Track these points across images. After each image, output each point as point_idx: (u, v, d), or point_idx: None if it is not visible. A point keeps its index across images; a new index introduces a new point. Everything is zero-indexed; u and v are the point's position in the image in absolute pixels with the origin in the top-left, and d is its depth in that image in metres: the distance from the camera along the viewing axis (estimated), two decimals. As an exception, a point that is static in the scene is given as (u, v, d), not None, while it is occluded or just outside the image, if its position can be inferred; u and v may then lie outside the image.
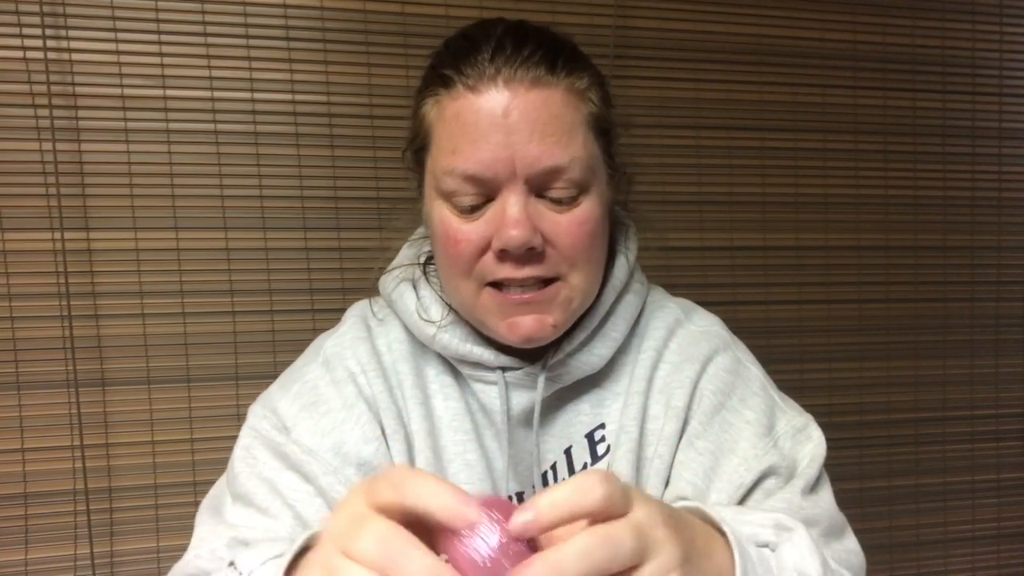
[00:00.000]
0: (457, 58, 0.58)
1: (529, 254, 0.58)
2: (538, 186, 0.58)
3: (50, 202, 0.98)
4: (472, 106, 0.57)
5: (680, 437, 0.64)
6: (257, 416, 0.65)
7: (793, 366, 1.23)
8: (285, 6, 1.04)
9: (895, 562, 1.29)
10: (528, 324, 0.59)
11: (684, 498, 0.61)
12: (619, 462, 0.63)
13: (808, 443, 0.65)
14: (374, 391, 0.64)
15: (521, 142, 0.56)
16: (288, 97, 1.05)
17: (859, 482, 1.25)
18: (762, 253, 1.23)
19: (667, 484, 0.63)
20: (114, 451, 1.01)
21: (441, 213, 0.60)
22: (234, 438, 1.11)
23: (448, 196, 0.59)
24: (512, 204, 0.57)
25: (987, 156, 1.31)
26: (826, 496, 0.64)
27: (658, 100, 1.17)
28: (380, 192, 1.07)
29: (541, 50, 0.58)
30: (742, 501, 0.61)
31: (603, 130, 0.62)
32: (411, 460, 0.63)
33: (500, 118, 0.56)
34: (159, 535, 1.03)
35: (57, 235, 0.98)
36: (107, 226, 1.00)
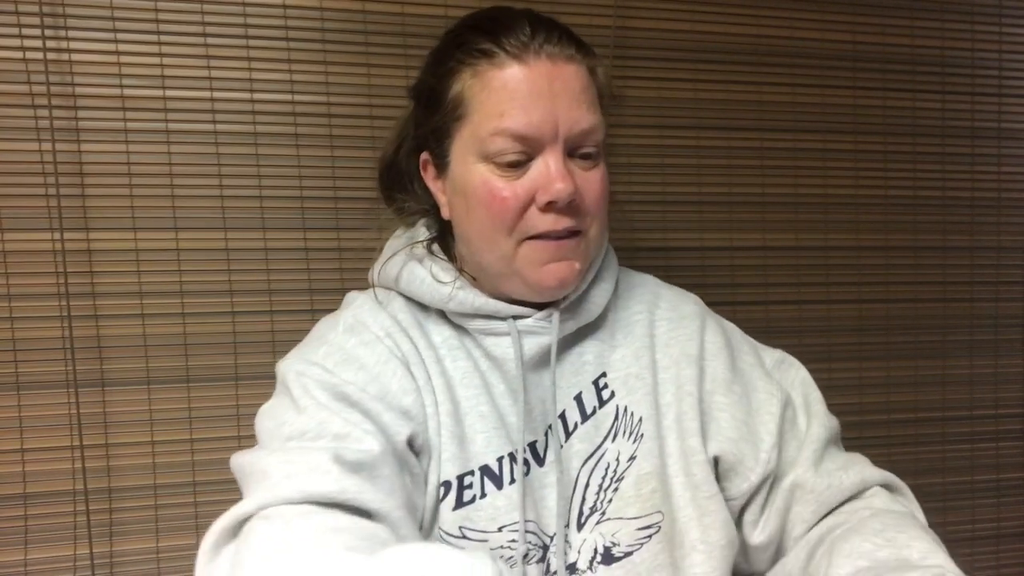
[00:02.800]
0: (494, 33, 0.66)
1: (570, 206, 0.66)
2: (571, 146, 0.67)
3: (50, 202, 0.98)
4: (519, 74, 0.65)
5: (701, 379, 0.73)
6: (299, 365, 0.66)
7: (793, 366, 1.23)
8: (284, 6, 1.04)
9: (894, 562, 1.29)
10: (562, 268, 0.68)
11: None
12: (639, 403, 0.73)
13: (791, 368, 0.79)
14: (403, 350, 0.69)
15: (564, 108, 0.65)
16: (287, 97, 1.05)
17: (858, 482, 1.25)
18: (762, 253, 1.23)
19: (703, 420, 0.72)
20: (114, 451, 1.01)
21: (483, 176, 0.67)
22: (234, 438, 1.12)
23: (492, 156, 0.66)
24: (556, 162, 0.65)
25: (986, 156, 1.31)
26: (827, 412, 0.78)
27: (658, 100, 1.17)
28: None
29: (567, 34, 0.68)
30: (780, 433, 0.72)
31: (604, 106, 0.71)
32: (436, 411, 0.68)
33: (545, 86, 0.65)
34: (159, 535, 1.03)
35: (57, 235, 0.98)
36: (107, 226, 1.00)
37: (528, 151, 0.65)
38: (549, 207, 0.66)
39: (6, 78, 0.96)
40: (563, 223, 0.66)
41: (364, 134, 1.07)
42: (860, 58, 1.24)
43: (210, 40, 1.02)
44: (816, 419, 0.75)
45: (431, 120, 0.70)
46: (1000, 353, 1.34)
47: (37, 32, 0.96)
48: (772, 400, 0.74)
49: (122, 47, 0.99)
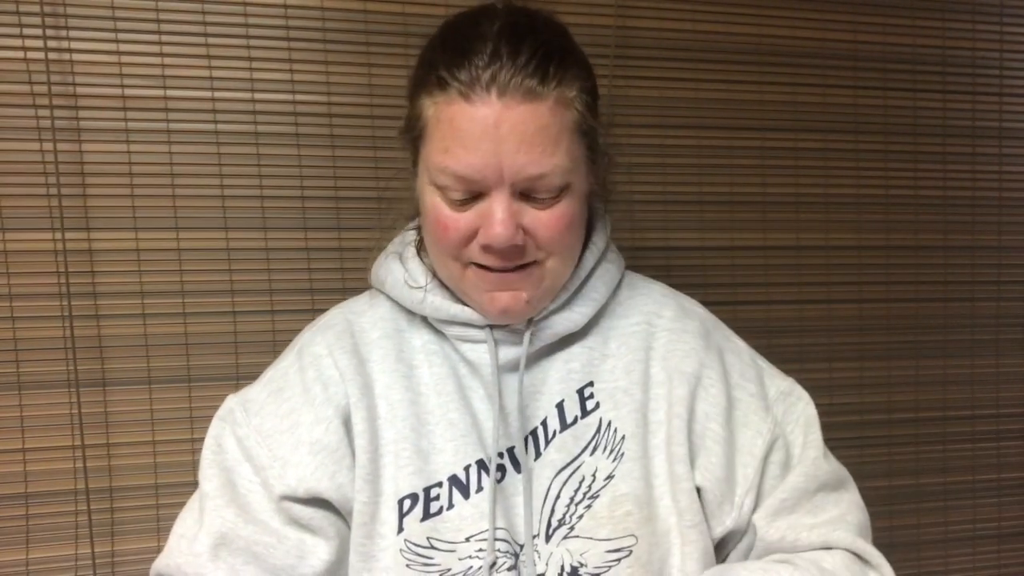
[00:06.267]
0: (452, 61, 0.62)
1: (511, 249, 0.64)
2: (522, 189, 0.63)
3: (51, 202, 0.98)
4: (466, 114, 0.61)
5: (692, 399, 0.70)
6: (225, 412, 0.74)
7: (793, 366, 1.21)
8: (285, 6, 1.04)
9: (895, 562, 1.28)
10: (505, 299, 0.67)
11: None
12: (624, 420, 0.70)
13: (798, 403, 0.74)
14: (340, 368, 0.70)
15: (509, 152, 0.61)
16: (288, 97, 1.05)
17: (859, 482, 1.24)
18: (762, 253, 1.23)
19: (690, 445, 0.69)
20: (115, 451, 1.01)
21: (433, 200, 0.66)
22: (235, 438, 1.10)
23: (440, 188, 0.65)
24: (498, 206, 0.63)
25: (987, 156, 1.31)
26: (830, 456, 0.73)
27: (658, 100, 1.17)
28: (381, 192, 1.07)
29: (535, 59, 0.61)
30: (762, 476, 0.69)
31: (587, 132, 0.66)
32: (373, 427, 0.69)
33: (492, 128, 0.60)
34: (160, 535, 1.03)
35: (58, 235, 0.98)
36: (108, 226, 1.00)
37: (473, 191, 0.63)
38: (488, 248, 0.64)
39: (7, 78, 0.96)
40: (504, 263, 0.65)
41: (365, 134, 1.07)
42: (861, 57, 1.24)
43: (211, 40, 1.02)
44: (800, 466, 0.70)
45: (410, 131, 0.69)
46: (1001, 353, 1.33)
47: (38, 32, 0.96)
48: (757, 441, 0.70)
49: (123, 47, 0.99)
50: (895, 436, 1.29)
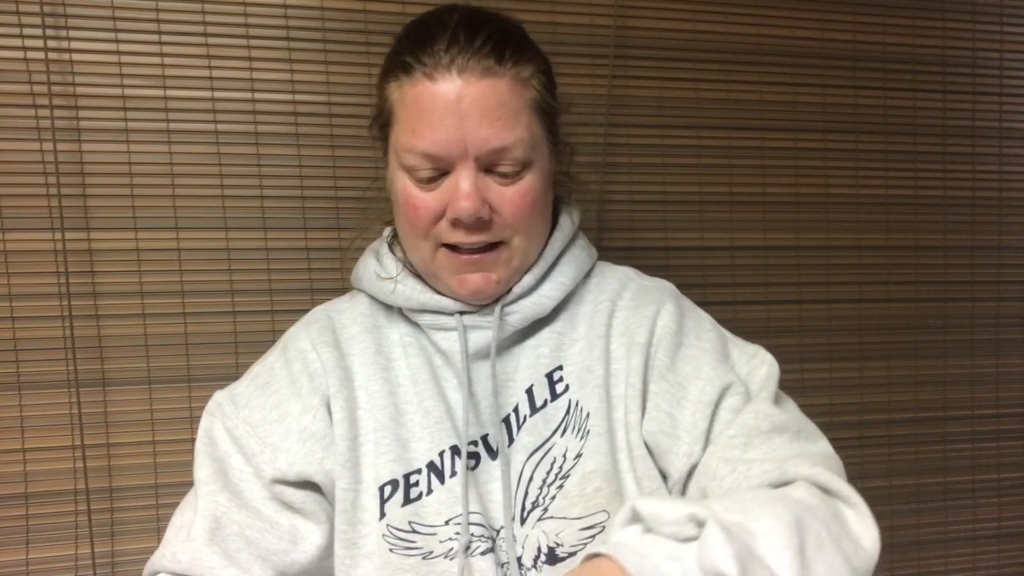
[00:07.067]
0: (416, 47, 0.67)
1: (478, 223, 0.67)
2: (486, 163, 0.67)
3: (51, 202, 0.98)
4: (429, 92, 0.65)
5: (645, 368, 0.71)
6: (213, 406, 0.76)
7: (793, 366, 1.23)
8: (285, 6, 1.04)
9: (895, 562, 1.29)
10: (475, 280, 0.69)
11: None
12: (588, 397, 0.71)
13: (763, 366, 0.73)
14: (323, 360, 0.73)
15: (472, 126, 0.65)
16: (288, 97, 1.05)
17: (859, 482, 1.24)
18: (762, 253, 1.23)
19: (643, 412, 0.70)
20: (115, 451, 1.01)
21: (403, 183, 0.69)
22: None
23: (409, 169, 0.68)
24: (464, 180, 0.66)
25: (987, 156, 1.31)
26: (791, 406, 0.72)
27: (658, 100, 1.17)
28: (380, 192, 1.07)
29: (491, 42, 0.66)
30: (712, 420, 0.68)
31: (545, 112, 0.70)
32: (352, 416, 0.71)
33: (454, 104, 0.65)
34: (160, 535, 1.02)
35: (58, 235, 0.98)
36: (108, 226, 1.00)
37: (440, 167, 0.67)
38: (456, 223, 0.67)
39: (7, 78, 0.96)
40: (473, 238, 0.68)
41: (365, 134, 1.06)
42: (861, 57, 1.24)
43: (211, 40, 1.02)
44: (754, 406, 0.67)
45: (379, 119, 0.73)
46: (1001, 352, 1.34)
47: (38, 32, 0.96)
48: (707, 388, 0.68)
49: (123, 47, 0.99)
50: (895, 436, 1.29)
